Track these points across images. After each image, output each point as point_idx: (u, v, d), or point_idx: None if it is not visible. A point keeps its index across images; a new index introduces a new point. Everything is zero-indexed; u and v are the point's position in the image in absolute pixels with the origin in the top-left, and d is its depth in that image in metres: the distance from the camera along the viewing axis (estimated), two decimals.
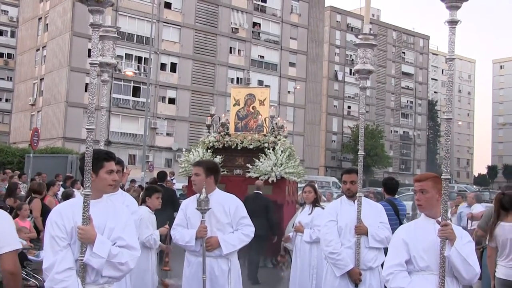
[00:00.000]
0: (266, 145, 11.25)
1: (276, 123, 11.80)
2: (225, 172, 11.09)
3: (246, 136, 11.52)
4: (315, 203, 7.03)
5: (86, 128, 3.24)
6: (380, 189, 22.95)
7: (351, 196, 5.14)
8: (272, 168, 10.90)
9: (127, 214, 3.37)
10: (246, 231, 4.69)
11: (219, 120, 12.23)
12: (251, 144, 11.33)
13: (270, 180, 10.93)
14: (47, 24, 44.34)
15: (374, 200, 8.02)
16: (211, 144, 11.60)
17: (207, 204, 4.48)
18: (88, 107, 3.30)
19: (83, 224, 3.09)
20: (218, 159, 11.24)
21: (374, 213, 5.12)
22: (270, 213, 9.77)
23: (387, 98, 74.09)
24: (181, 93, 45.15)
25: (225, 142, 11.54)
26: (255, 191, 10.15)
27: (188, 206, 4.82)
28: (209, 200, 4.49)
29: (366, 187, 41.73)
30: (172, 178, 18.82)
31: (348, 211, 5.07)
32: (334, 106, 68.31)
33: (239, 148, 11.42)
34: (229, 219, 4.64)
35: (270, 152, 11.01)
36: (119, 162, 3.91)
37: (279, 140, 11.35)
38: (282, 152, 11.05)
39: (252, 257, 9.27)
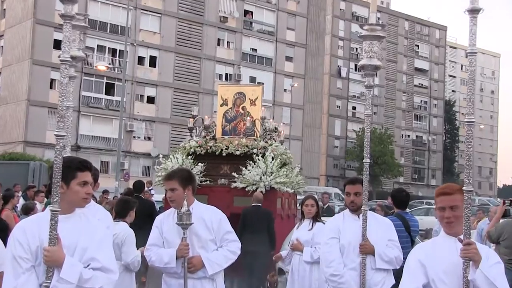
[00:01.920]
0: (254, 151, 11.24)
1: (266, 127, 11.81)
2: (208, 182, 11.10)
3: (233, 141, 11.51)
4: (316, 217, 7.04)
5: (56, 135, 3.24)
6: (388, 202, 23.04)
7: (356, 209, 5.15)
8: (261, 178, 10.90)
9: (103, 231, 3.36)
10: (232, 247, 4.67)
11: (203, 122, 12.21)
12: (238, 150, 11.31)
13: (258, 191, 10.88)
14: (5, 9, 44.20)
15: (381, 214, 8.06)
16: (192, 150, 11.56)
17: (189, 219, 4.46)
18: (58, 110, 3.30)
19: (50, 245, 3.06)
20: (200, 167, 11.24)
21: (382, 229, 5.13)
22: (271, 227, 9.96)
23: (397, 98, 74.38)
24: (161, 91, 45.12)
25: (209, 148, 11.52)
26: (255, 204, 10.26)
27: (163, 222, 4.81)
28: (191, 213, 4.48)
29: (373, 200, 41.80)
30: (150, 188, 18.75)
31: (352, 227, 5.07)
32: (337, 106, 68.50)
33: (224, 154, 11.39)
34: (212, 235, 4.62)
35: (258, 159, 11.01)
36: (94, 173, 3.92)
37: (270, 145, 11.36)
38: (272, 159, 11.04)
39: (256, 278, 9.21)
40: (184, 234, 4.52)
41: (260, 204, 10.29)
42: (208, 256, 4.57)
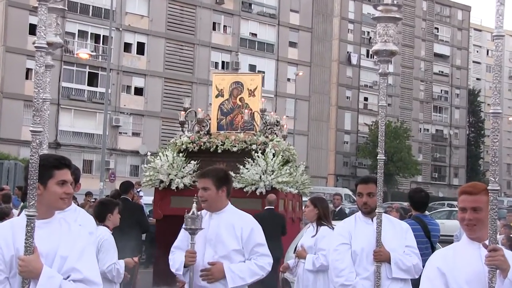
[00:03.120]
0: (253, 147, 11.28)
1: (266, 120, 11.85)
2: None
3: (229, 136, 11.57)
4: (320, 221, 7.02)
5: (32, 131, 3.22)
6: (405, 204, 23.01)
7: (369, 212, 5.14)
8: (260, 177, 10.92)
9: (85, 238, 3.35)
10: (262, 262, 4.63)
11: (196, 115, 12.22)
12: (235, 146, 11.38)
13: (258, 192, 11.04)
14: None
15: (397, 217, 8.05)
16: (183, 147, 11.62)
17: (196, 223, 4.50)
18: (33, 103, 3.28)
19: (26, 254, 3.05)
20: (192, 165, 11.30)
21: (398, 234, 5.13)
22: (285, 233, 10.26)
23: (415, 87, 74.33)
24: (150, 81, 45.11)
25: (202, 144, 11.57)
26: (268, 207, 10.45)
27: None
28: (200, 217, 4.52)
29: (388, 201, 41.78)
30: (139, 190, 18.78)
31: (365, 232, 5.07)
32: (347, 97, 68.47)
33: (219, 151, 11.46)
34: (239, 245, 4.60)
35: (258, 156, 11.01)
36: (74, 172, 3.95)
37: (270, 140, 11.39)
38: (273, 155, 11.06)
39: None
40: (191, 240, 4.55)
41: (273, 207, 10.51)
42: (231, 266, 4.55)
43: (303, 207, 11.70)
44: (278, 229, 10.31)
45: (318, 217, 7.00)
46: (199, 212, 4.53)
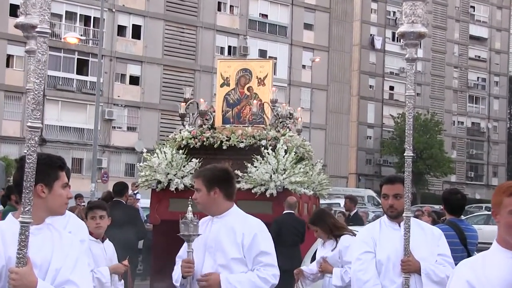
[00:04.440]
0: (263, 142, 11.26)
1: (278, 112, 11.86)
2: None
3: (236, 131, 11.58)
4: (334, 234, 6.98)
5: (29, 126, 3.23)
6: (438, 207, 22.93)
7: (396, 216, 5.14)
8: (271, 176, 10.91)
9: (78, 248, 3.42)
10: (265, 273, 4.59)
11: (198, 107, 12.19)
12: (242, 142, 11.38)
13: (268, 194, 11.02)
14: None
15: (429, 222, 8.03)
16: (184, 142, 11.63)
17: (190, 228, 4.52)
18: (34, 95, 3.31)
19: (18, 266, 3.05)
20: (194, 163, 11.30)
21: (430, 241, 5.13)
22: (303, 241, 10.43)
23: (447, 75, 74.16)
24: (148, 69, 45.24)
25: (205, 139, 11.57)
26: (287, 211, 10.56)
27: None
28: (195, 222, 4.53)
29: (417, 204, 41.76)
30: (135, 192, 18.81)
31: (391, 239, 5.08)
32: (370, 86, 68.44)
33: (224, 147, 11.47)
34: (240, 253, 4.59)
35: (268, 153, 11.00)
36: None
37: (282, 135, 11.38)
38: (286, 152, 11.04)
39: None
40: (188, 248, 4.58)
41: (293, 212, 10.61)
42: (228, 277, 4.55)
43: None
44: (298, 237, 10.38)
45: (330, 232, 7.02)
46: (193, 216, 4.54)
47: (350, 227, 7.82)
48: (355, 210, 14.97)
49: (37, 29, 3.38)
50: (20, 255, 3.06)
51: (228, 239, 4.61)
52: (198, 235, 4.55)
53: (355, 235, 6.48)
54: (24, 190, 3.12)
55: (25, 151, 3.17)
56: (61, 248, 3.29)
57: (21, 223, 3.06)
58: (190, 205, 4.62)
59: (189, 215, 4.54)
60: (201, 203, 4.69)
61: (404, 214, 4.91)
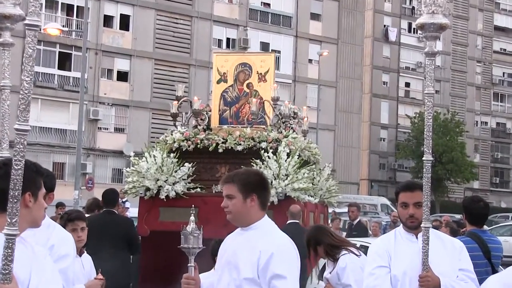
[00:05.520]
0: (263, 145, 11.24)
1: (280, 111, 11.85)
2: (199, 190, 11.25)
3: (233, 132, 11.58)
4: (332, 255, 6.99)
5: (16, 129, 3.22)
6: (458, 217, 22.90)
7: (416, 227, 5.12)
8: (272, 182, 10.83)
9: (51, 262, 3.49)
10: None
11: (191, 105, 12.19)
12: (240, 144, 11.36)
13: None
14: None
15: (448, 233, 8.01)
16: (176, 145, 11.62)
17: (189, 241, 4.52)
18: (23, 95, 3.29)
19: (4, 282, 3.07)
20: (186, 168, 11.30)
21: (450, 254, 5.14)
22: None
23: (469, 70, 74.35)
24: (137, 63, 45.41)
25: (199, 142, 11.56)
26: (291, 221, 10.56)
27: (225, 242, 4.82)
28: (195, 234, 4.53)
29: (436, 213, 41.70)
30: (124, 200, 18.74)
31: (408, 252, 5.08)
32: (384, 83, 68.64)
33: (220, 150, 11.45)
34: (254, 273, 4.48)
35: (268, 157, 10.99)
36: (46, 178, 4.10)
37: (284, 136, 11.37)
38: (288, 155, 11.00)
39: None
40: (190, 263, 4.57)
41: (298, 221, 10.63)
42: None
43: (329, 221, 11.66)
44: (305, 249, 10.34)
45: (327, 254, 7.05)
46: (195, 227, 4.53)
47: (352, 239, 7.82)
48: (358, 219, 15.10)
49: (25, 22, 3.38)
50: (6, 271, 3.07)
51: (245, 256, 4.52)
52: (196, 248, 4.53)
53: (358, 255, 6.61)
54: (11, 200, 3.11)
55: (13, 156, 3.17)
56: (37, 263, 3.32)
57: (7, 235, 3.07)
58: (192, 214, 4.60)
59: (191, 226, 4.53)
60: (233, 212, 4.56)
61: (422, 225, 4.92)
